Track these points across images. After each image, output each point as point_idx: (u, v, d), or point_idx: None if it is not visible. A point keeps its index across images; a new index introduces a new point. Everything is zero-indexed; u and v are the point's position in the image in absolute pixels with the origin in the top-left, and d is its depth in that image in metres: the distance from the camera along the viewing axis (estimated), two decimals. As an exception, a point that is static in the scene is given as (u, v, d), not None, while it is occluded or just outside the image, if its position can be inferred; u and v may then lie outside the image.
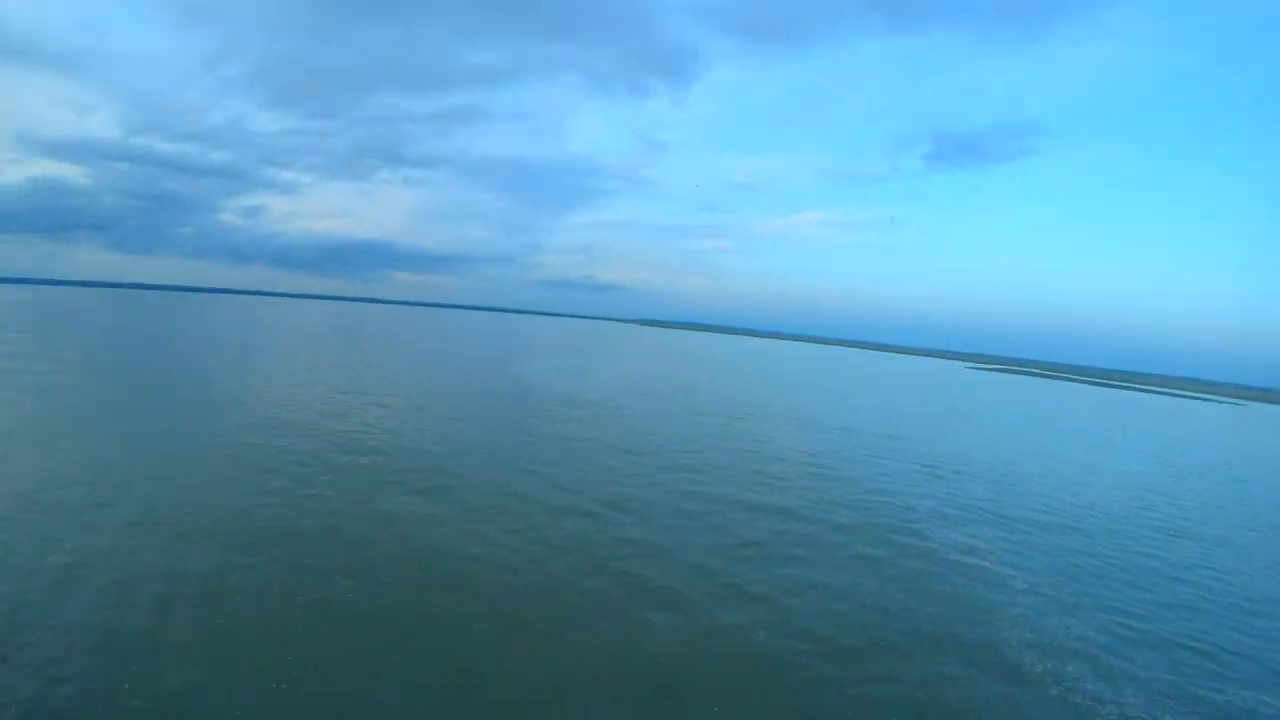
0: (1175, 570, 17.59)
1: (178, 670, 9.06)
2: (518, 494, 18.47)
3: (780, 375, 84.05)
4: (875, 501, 21.14)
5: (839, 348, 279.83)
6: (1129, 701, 10.69)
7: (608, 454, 24.43)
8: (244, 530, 14.15)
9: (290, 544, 13.63)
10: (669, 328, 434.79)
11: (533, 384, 44.79)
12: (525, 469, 21.21)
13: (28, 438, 20.91)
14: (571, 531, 15.90)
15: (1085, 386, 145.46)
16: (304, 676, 9.17)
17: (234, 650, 9.66)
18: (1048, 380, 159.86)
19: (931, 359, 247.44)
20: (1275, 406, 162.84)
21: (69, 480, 16.59)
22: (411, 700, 8.96)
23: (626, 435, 28.13)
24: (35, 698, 8.26)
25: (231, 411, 26.92)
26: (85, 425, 23.21)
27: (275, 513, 15.40)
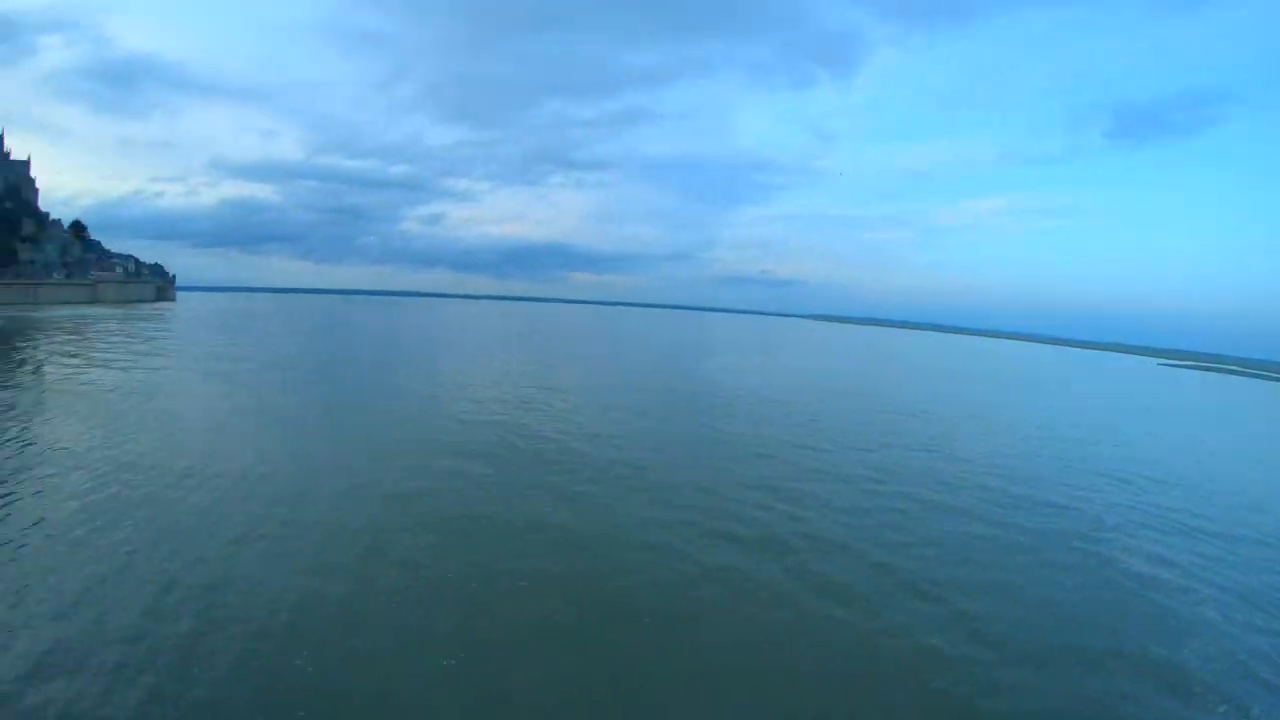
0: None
1: (366, 638, 9.81)
2: (696, 485, 18.64)
3: (961, 372, 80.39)
4: (1061, 506, 20.06)
5: (1021, 343, 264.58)
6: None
7: (786, 449, 24.07)
8: (433, 513, 14.96)
9: (477, 528, 14.30)
10: (847, 323, 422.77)
11: (711, 380, 44.33)
12: (703, 462, 21.37)
13: (239, 427, 22.87)
14: (748, 523, 15.94)
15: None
16: (476, 653, 9.61)
17: (418, 624, 10.30)
18: (1258, 380, 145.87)
19: (1121, 355, 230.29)
20: None
21: (275, 467, 17.94)
22: (581, 684, 9.19)
23: (805, 431, 27.63)
24: (242, 651, 9.19)
25: (421, 403, 28.62)
26: (289, 415, 25.21)
27: (465, 498, 16.17)
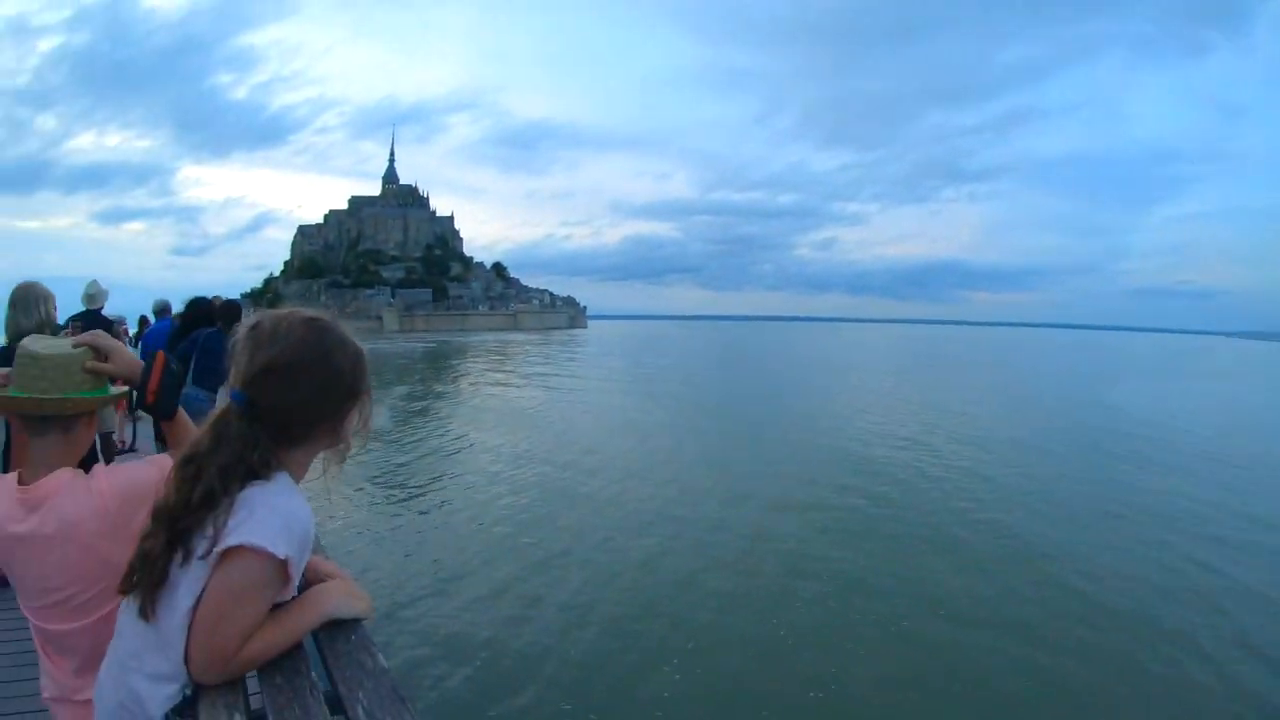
0: None
1: (780, 644, 8.94)
2: (1106, 513, 15.75)
3: None
4: None
5: None
6: None
7: (1211, 489, 18.69)
8: (843, 529, 13.79)
9: (884, 548, 12.88)
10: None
11: (1122, 413, 36.15)
12: (1115, 499, 17.39)
13: (647, 437, 22.80)
14: (1160, 570, 12.81)
15: None
16: (900, 678, 8.38)
17: (838, 646, 9.07)
18: None
19: None
20: None
21: (684, 479, 17.26)
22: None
23: (1236, 477, 20.78)
24: (648, 626, 9.00)
25: (820, 424, 26.70)
26: (692, 429, 25.02)
27: (870, 516, 14.78)
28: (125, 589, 1.41)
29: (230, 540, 1.31)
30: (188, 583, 1.36)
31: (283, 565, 1.36)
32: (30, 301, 4.84)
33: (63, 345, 1.84)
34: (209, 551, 1.33)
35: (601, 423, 25.61)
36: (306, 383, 1.44)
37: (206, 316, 7.55)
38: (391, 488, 15.79)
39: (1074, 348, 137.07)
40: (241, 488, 1.37)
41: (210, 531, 1.34)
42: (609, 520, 13.47)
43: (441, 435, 22.38)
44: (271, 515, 1.35)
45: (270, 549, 1.32)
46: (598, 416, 27.28)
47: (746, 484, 17.04)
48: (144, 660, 1.40)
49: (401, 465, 17.82)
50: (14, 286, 4.96)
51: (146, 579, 1.38)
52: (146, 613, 1.38)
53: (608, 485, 16.17)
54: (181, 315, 7.95)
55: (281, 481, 1.42)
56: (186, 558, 1.36)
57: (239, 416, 1.40)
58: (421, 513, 13.87)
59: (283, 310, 1.51)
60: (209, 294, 8.12)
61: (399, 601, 9.61)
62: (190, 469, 1.39)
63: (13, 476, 1.84)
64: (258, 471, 1.39)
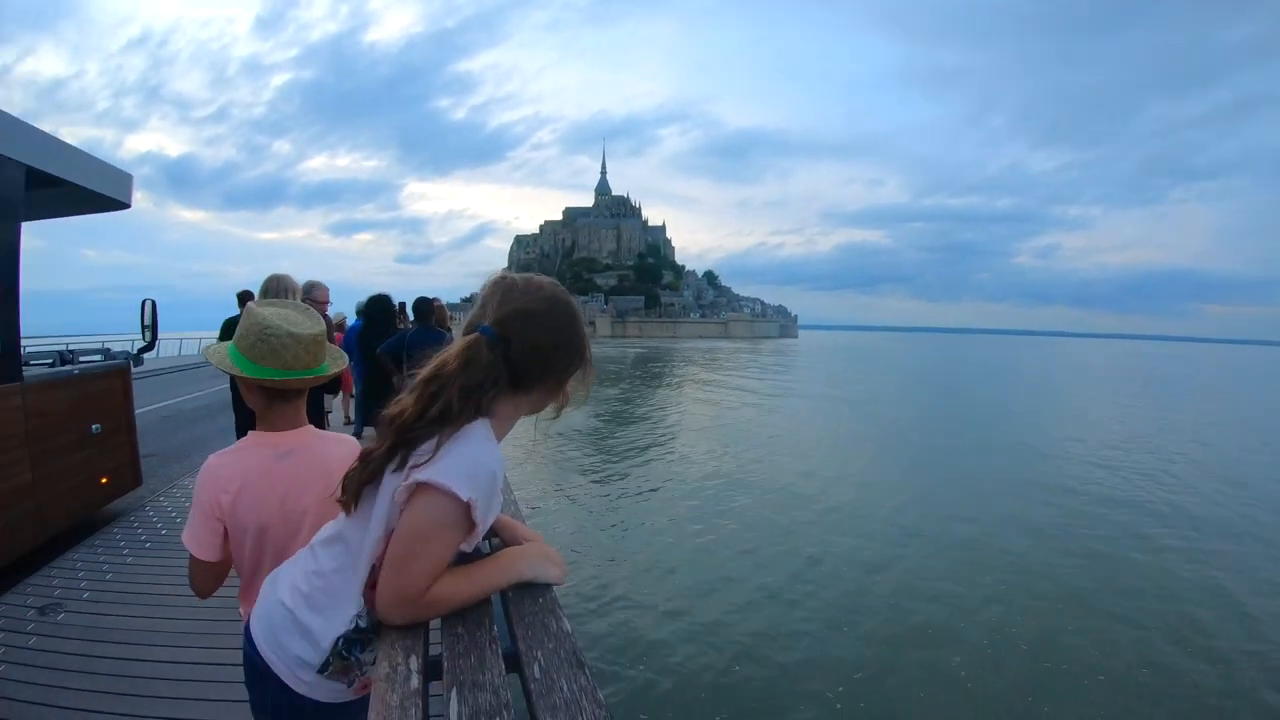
0: None
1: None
2: None
3: None
4: None
5: None
6: None
7: None
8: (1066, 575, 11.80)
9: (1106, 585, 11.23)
10: None
11: None
12: None
13: (850, 454, 22.28)
14: None
15: None
16: None
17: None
18: None
19: None
20: None
21: (894, 501, 16.40)
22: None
23: None
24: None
25: (1043, 449, 24.54)
26: (901, 450, 24.12)
27: (1099, 542, 13.32)
28: (343, 492, 1.51)
29: (419, 476, 1.37)
30: (388, 505, 1.44)
31: (466, 508, 1.39)
32: (281, 292, 5.60)
33: (303, 326, 2.08)
34: (409, 475, 1.38)
35: (815, 441, 24.84)
36: (555, 332, 1.53)
37: (388, 311, 8.28)
38: (604, 485, 16.24)
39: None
40: (469, 420, 1.44)
41: (427, 454, 1.40)
42: (822, 551, 12.72)
43: (651, 440, 22.68)
44: (461, 458, 1.40)
45: (455, 489, 1.36)
46: (811, 433, 26.62)
47: (974, 530, 15.15)
48: (329, 580, 1.53)
49: (612, 465, 18.30)
50: (267, 276, 5.72)
51: (358, 475, 1.49)
52: (348, 506, 1.51)
53: (823, 514, 15.26)
54: (365, 311, 8.44)
55: (478, 427, 1.46)
56: (402, 464, 1.42)
57: (489, 348, 1.48)
58: (628, 514, 14.14)
59: (525, 273, 1.61)
60: (429, 297, 8.48)
61: (595, 578, 10.09)
62: (433, 386, 1.47)
63: (256, 433, 2.12)
64: (479, 408, 1.46)
